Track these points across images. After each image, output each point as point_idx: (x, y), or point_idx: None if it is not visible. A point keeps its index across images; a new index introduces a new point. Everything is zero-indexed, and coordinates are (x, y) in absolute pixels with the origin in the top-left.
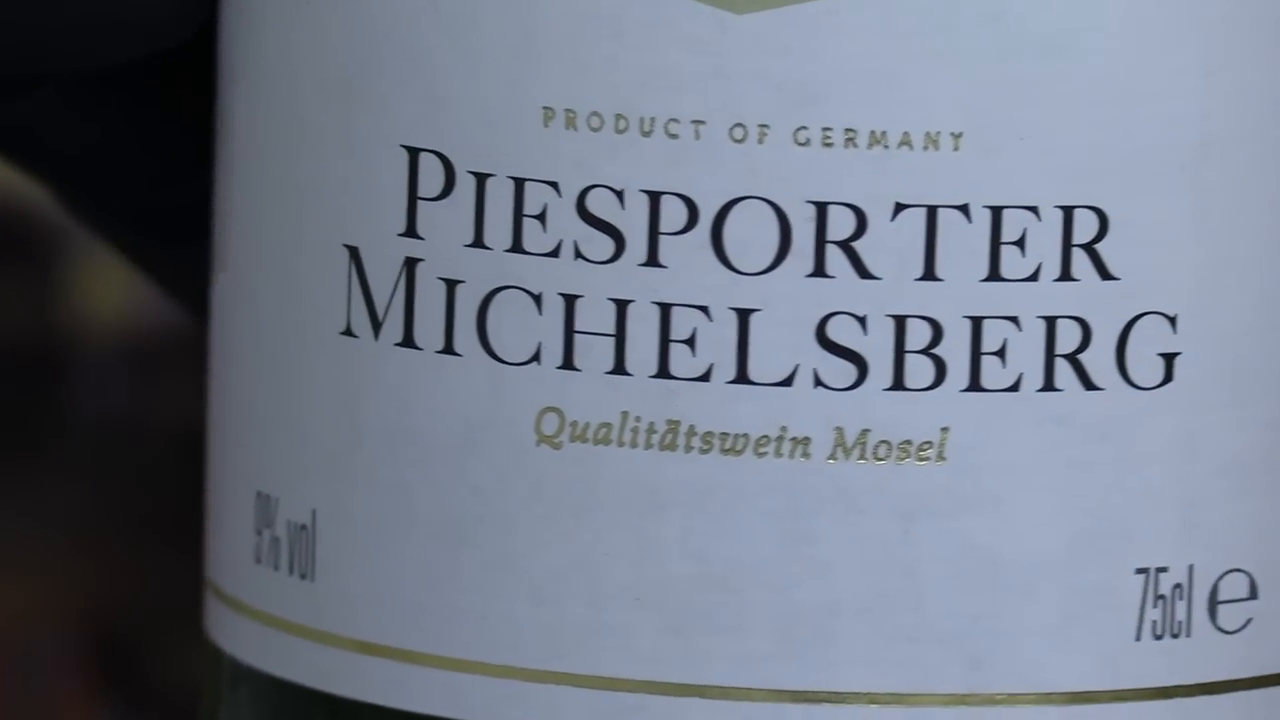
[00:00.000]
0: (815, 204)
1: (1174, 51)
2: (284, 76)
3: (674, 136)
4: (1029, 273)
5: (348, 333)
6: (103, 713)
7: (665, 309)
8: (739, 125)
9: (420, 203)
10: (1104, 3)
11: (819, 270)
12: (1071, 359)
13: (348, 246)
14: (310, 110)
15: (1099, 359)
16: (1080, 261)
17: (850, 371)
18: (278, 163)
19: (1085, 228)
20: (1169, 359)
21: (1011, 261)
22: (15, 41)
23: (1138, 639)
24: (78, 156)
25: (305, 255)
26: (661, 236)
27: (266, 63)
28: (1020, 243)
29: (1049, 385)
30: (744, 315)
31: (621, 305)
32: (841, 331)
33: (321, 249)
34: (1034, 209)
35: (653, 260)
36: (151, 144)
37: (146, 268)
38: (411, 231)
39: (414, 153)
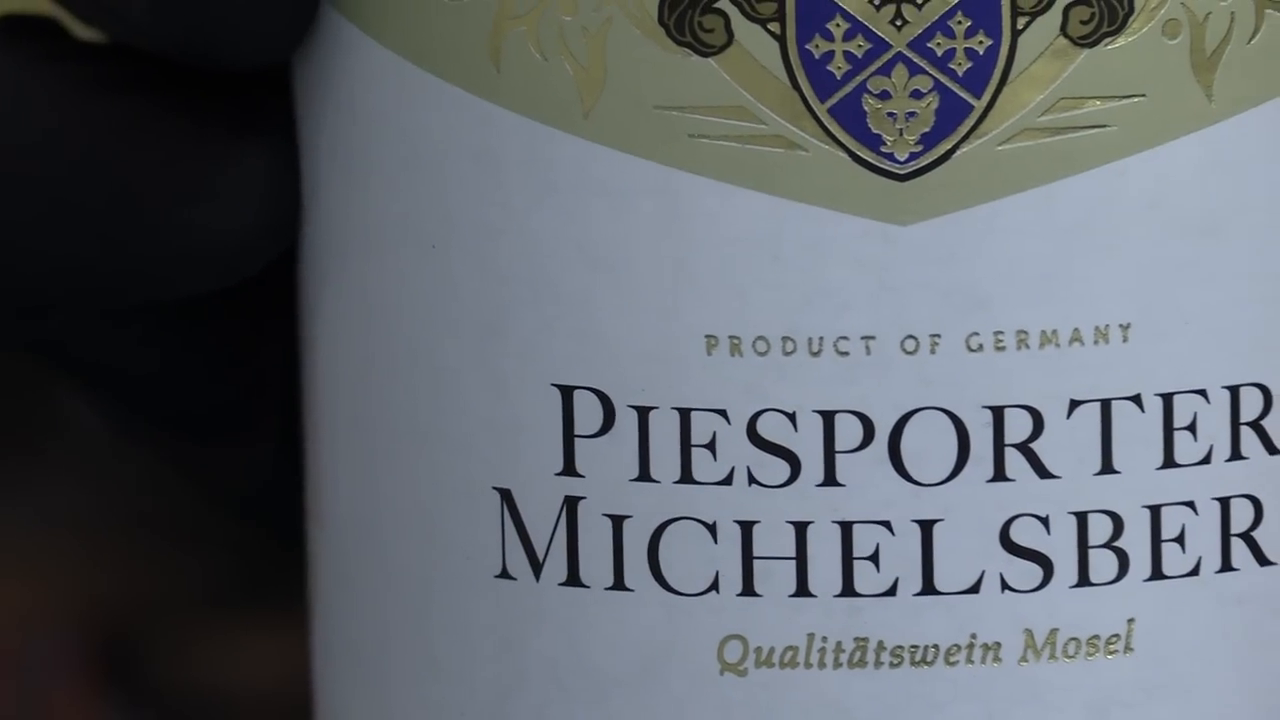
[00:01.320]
0: (991, 409)
1: None
2: (407, 316)
3: (844, 354)
4: (1201, 456)
5: (504, 575)
6: (103, 713)
7: (847, 527)
8: (910, 337)
9: (578, 440)
10: (1253, 184)
11: (999, 474)
12: (1245, 537)
13: (498, 489)
14: (444, 350)
15: (1271, 534)
16: (1248, 439)
17: (1036, 573)
18: (404, 402)
19: (1251, 405)
20: None
21: (1185, 447)
22: (86, 275)
23: None
24: (117, 373)
25: (449, 499)
26: (838, 455)
27: (380, 298)
28: (1192, 427)
29: (1226, 566)
30: (927, 526)
31: (801, 527)
32: (1025, 533)
33: (467, 491)
34: (1203, 392)
35: (830, 479)
36: (191, 357)
37: (173, 463)
38: (570, 470)
39: (568, 391)
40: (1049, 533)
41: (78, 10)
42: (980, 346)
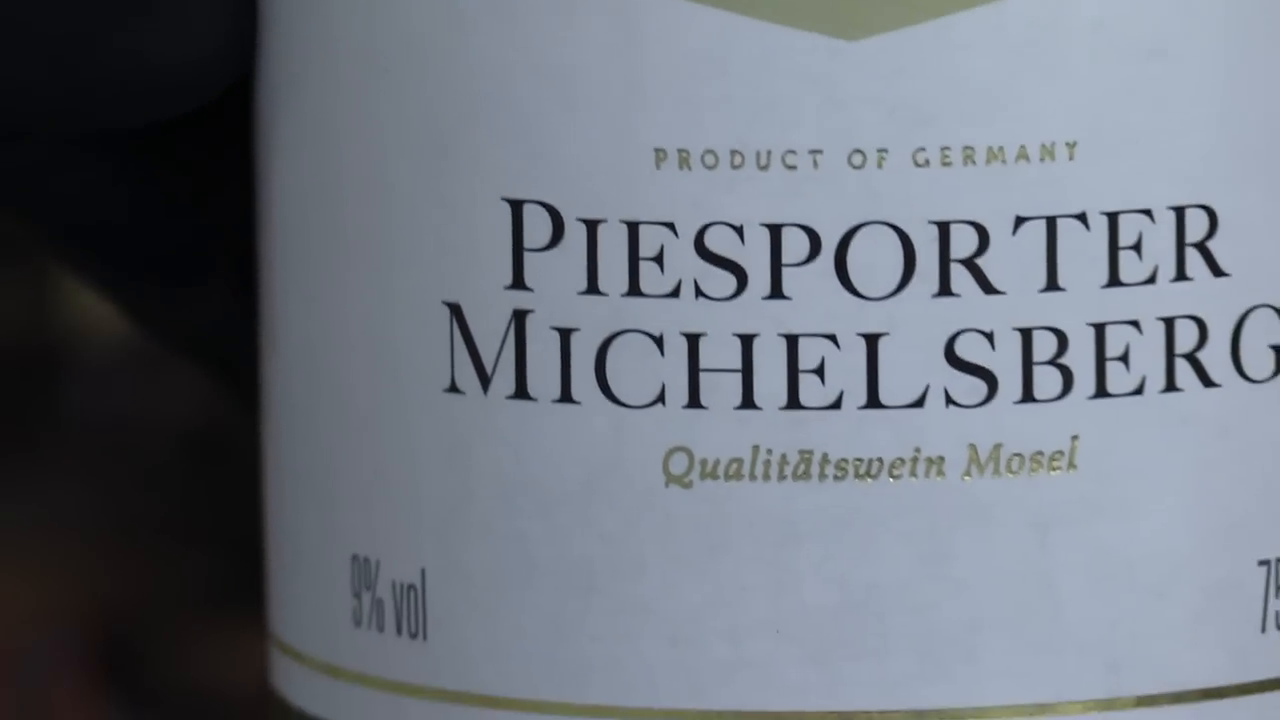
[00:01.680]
0: (938, 224)
1: (1274, 51)
2: (359, 138)
3: (791, 168)
4: (1146, 276)
5: (452, 389)
6: (102, 712)
7: (792, 340)
8: (857, 151)
9: (527, 254)
10: (1204, 6)
11: (945, 289)
12: (1190, 358)
13: (448, 304)
14: (396, 170)
15: (1215, 356)
16: (1194, 261)
17: (980, 388)
18: (354, 223)
19: (1197, 227)
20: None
21: (1130, 266)
22: (39, 99)
23: (1263, 631)
24: (74, 202)
25: (398, 315)
26: (784, 268)
27: (332, 124)
28: (1137, 246)
29: (1170, 386)
30: (872, 340)
31: (747, 340)
32: (970, 349)
33: (417, 307)
34: (1148, 212)
35: (777, 292)
36: (156, 194)
37: (130, 306)
38: (519, 284)
39: (517, 205)
40: (993, 348)
41: None
42: (927, 162)
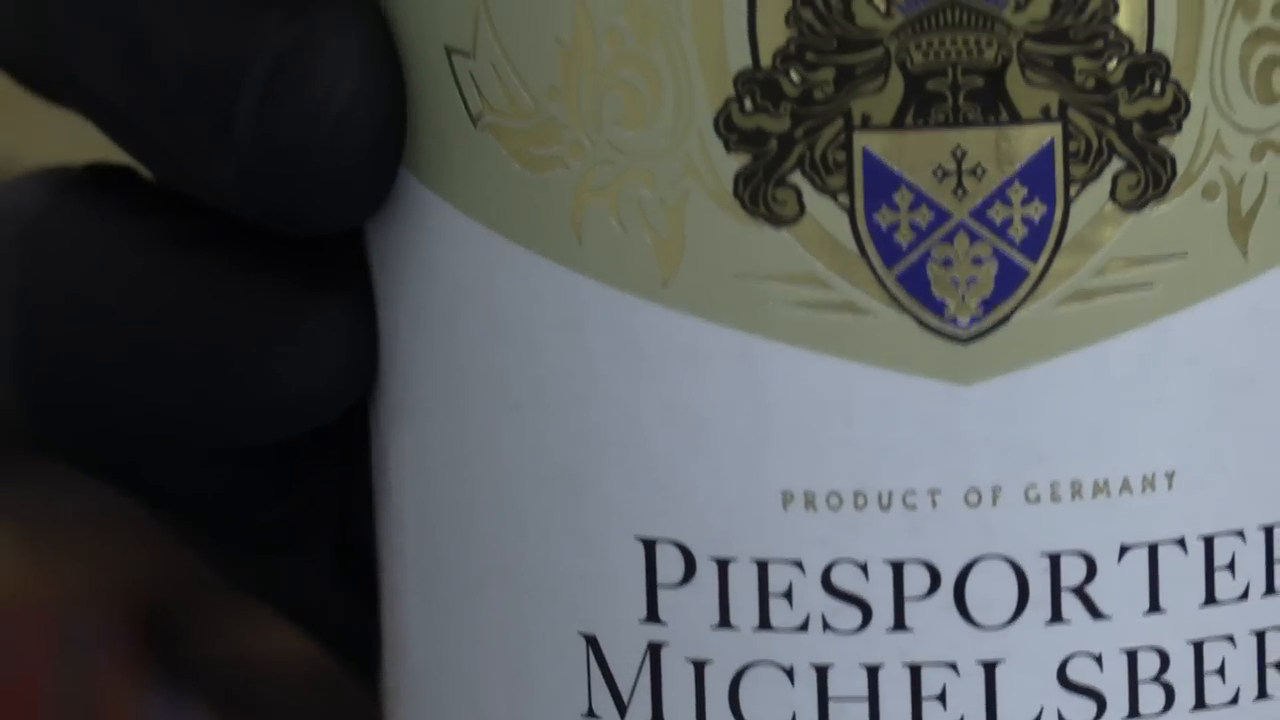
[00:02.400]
0: (1049, 555)
1: None
2: (488, 468)
3: (911, 508)
4: (1240, 593)
5: (590, 714)
6: (146, 689)
7: (915, 669)
8: (973, 490)
9: (661, 590)
10: None
11: (1056, 616)
12: (1279, 666)
13: (584, 635)
14: (528, 502)
15: None
16: None
17: (1090, 708)
18: (486, 549)
19: None
20: None
21: (1224, 584)
22: (174, 420)
23: None
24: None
25: (534, 642)
26: (907, 602)
27: (461, 451)
28: (1231, 566)
29: (1262, 694)
30: (990, 667)
31: (873, 670)
32: (1080, 671)
33: (553, 636)
34: (1240, 533)
35: (900, 625)
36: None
37: (226, 573)
38: (653, 618)
39: (650, 543)
40: (1102, 670)
41: (161, 173)
42: (1038, 498)
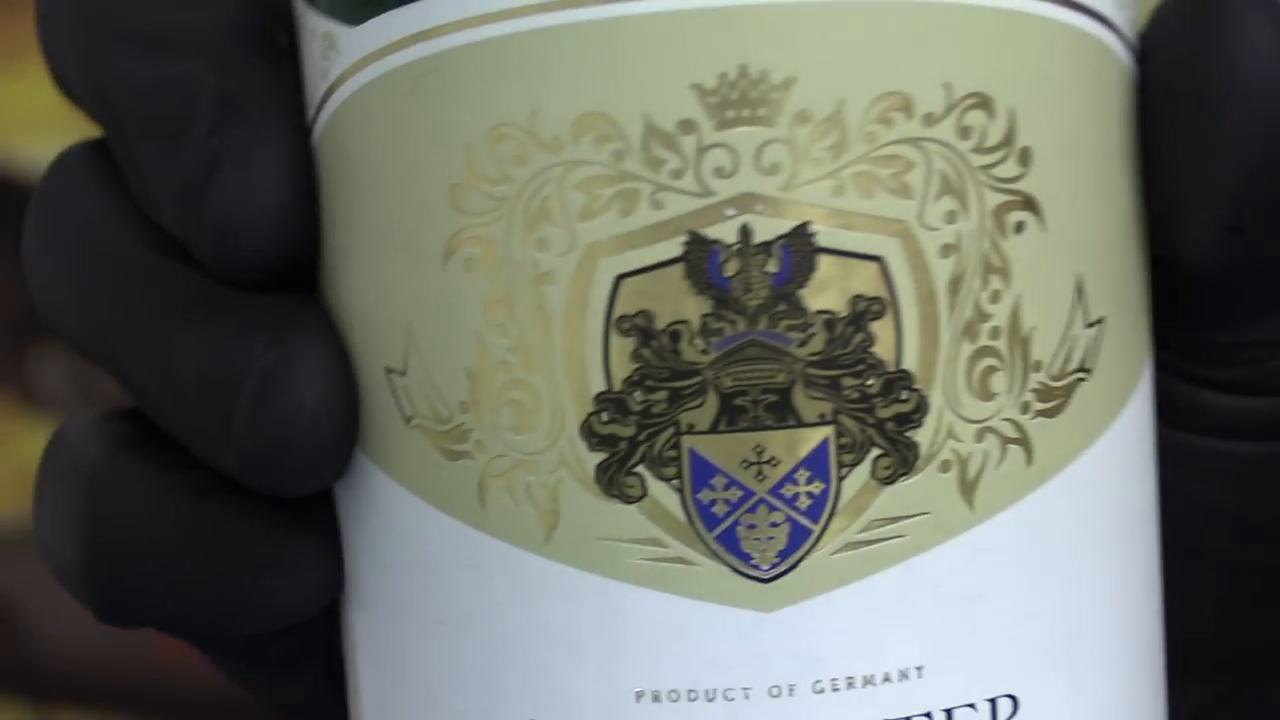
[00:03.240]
0: None
1: (1068, 555)
2: (422, 670)
3: (730, 700)
4: None
5: None
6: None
7: None
8: (775, 687)
9: None
10: (1006, 563)
11: None
12: None
13: None
14: (451, 696)
15: None
16: None
17: None
18: None
19: (1004, 710)
20: None
21: None
22: (202, 621)
23: None
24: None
25: None
26: None
27: (401, 657)
28: None
29: None
30: None
31: None
32: None
33: None
34: (972, 704)
35: None
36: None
37: (234, 678)
38: None
39: None
40: None
41: (187, 440)
42: (823, 690)
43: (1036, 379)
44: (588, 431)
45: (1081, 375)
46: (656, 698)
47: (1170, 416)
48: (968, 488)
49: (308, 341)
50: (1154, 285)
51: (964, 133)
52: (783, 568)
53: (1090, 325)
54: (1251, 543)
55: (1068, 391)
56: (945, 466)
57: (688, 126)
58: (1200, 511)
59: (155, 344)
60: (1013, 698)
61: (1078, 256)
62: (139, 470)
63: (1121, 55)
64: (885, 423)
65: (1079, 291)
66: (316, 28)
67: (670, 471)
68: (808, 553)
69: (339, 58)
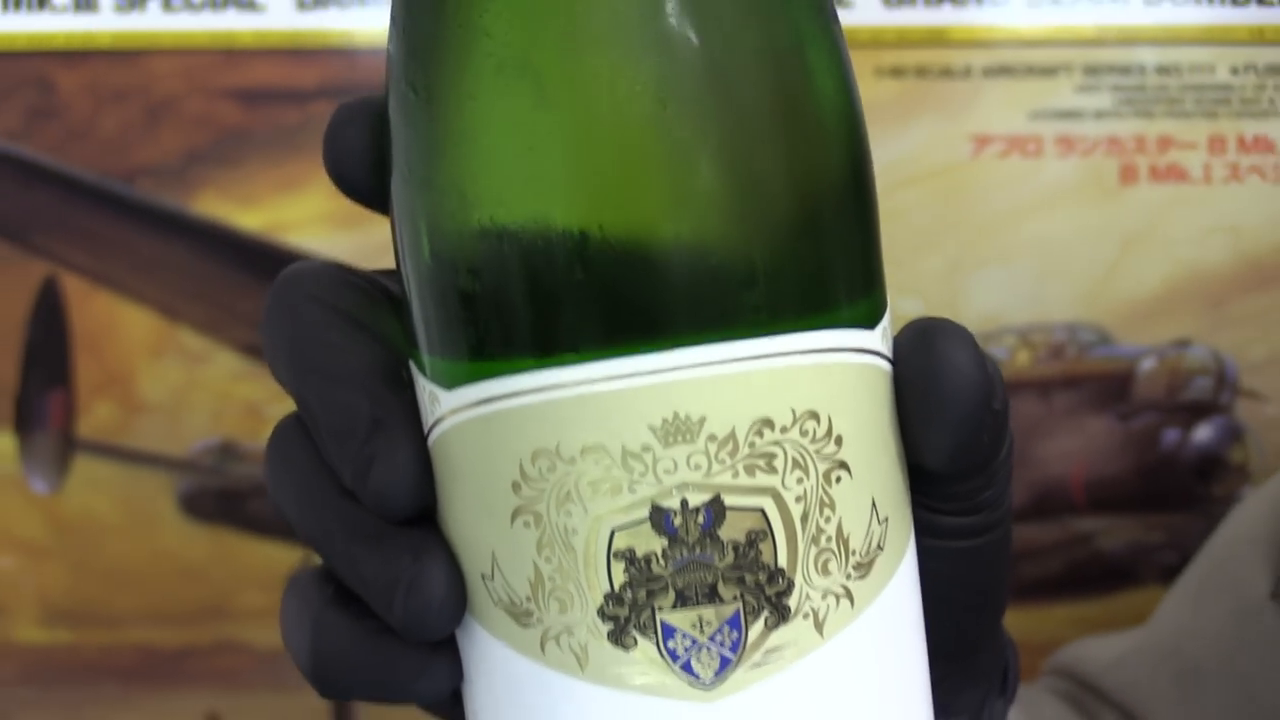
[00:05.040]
0: None
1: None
2: None
3: None
4: None
5: None
6: None
7: None
8: None
9: None
10: (843, 663)
11: None
12: None
13: None
14: None
15: None
16: None
17: None
18: None
19: None
20: None
21: None
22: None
23: None
24: None
25: None
26: None
27: None
28: None
29: None
30: None
31: None
32: None
33: None
34: None
35: None
36: None
37: None
38: None
39: None
40: None
41: (370, 604)
42: None
43: (853, 559)
44: (601, 614)
45: (879, 551)
46: None
47: (922, 528)
48: (819, 625)
49: (434, 559)
50: (912, 473)
51: (804, 433)
52: (718, 680)
53: (881, 523)
54: (966, 597)
55: (871, 562)
56: (806, 616)
57: (647, 448)
58: (939, 579)
59: (345, 555)
60: None
61: (872, 488)
62: (343, 615)
63: (886, 368)
64: (770, 597)
65: (874, 507)
66: (425, 386)
67: (650, 633)
68: (731, 670)
69: (440, 407)
